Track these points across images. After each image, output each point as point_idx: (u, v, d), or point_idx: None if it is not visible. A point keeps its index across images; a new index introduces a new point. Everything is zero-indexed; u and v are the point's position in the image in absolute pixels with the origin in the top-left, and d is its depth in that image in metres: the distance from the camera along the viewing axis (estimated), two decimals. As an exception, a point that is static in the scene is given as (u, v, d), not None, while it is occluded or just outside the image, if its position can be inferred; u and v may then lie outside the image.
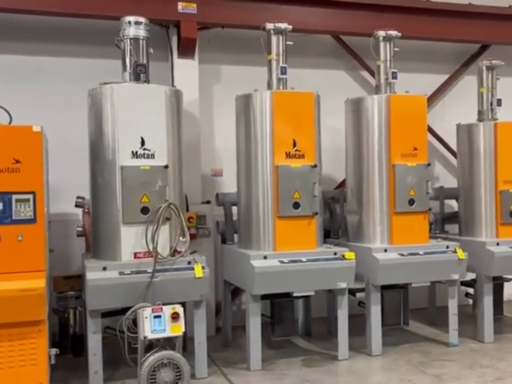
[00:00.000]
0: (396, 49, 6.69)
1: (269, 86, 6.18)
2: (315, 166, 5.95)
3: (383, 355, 6.15)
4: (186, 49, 7.01)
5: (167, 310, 4.76)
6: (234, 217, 6.40)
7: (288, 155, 5.92)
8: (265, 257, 5.69)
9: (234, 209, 6.37)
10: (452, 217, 7.45)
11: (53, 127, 5.64)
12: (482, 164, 6.94)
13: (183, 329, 4.80)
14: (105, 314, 5.32)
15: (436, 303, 7.39)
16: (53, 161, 5.89)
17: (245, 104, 6.07)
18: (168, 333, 4.73)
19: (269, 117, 5.90)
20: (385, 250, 6.12)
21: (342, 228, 6.88)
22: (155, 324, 4.69)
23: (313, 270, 5.72)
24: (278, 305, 6.11)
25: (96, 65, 6.80)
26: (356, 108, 6.53)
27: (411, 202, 6.31)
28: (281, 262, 5.67)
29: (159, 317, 4.72)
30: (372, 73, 8.07)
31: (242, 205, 6.16)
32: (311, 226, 5.98)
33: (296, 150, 5.93)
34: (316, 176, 5.97)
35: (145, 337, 4.73)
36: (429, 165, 6.40)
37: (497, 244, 6.57)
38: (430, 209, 6.43)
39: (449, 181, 8.08)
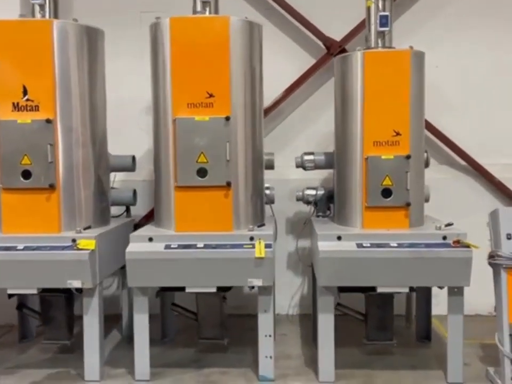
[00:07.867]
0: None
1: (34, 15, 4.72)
2: (49, 121, 4.38)
3: (153, 380, 4.47)
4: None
5: None
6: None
7: (17, 107, 4.43)
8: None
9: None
10: (340, 194, 5.19)
11: None
12: (359, 117, 4.61)
13: None
14: None
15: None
16: None
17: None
18: None
19: (-6, 55, 4.47)
20: (150, 240, 4.36)
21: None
22: None
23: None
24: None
25: None
26: (153, 39, 4.66)
27: (201, 172, 4.40)
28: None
29: None
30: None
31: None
32: (51, 203, 4.46)
33: (27, 100, 4.42)
34: (51, 134, 4.40)
35: None
36: (227, 119, 4.38)
37: (339, 238, 4.33)
38: (229, 184, 4.42)
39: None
